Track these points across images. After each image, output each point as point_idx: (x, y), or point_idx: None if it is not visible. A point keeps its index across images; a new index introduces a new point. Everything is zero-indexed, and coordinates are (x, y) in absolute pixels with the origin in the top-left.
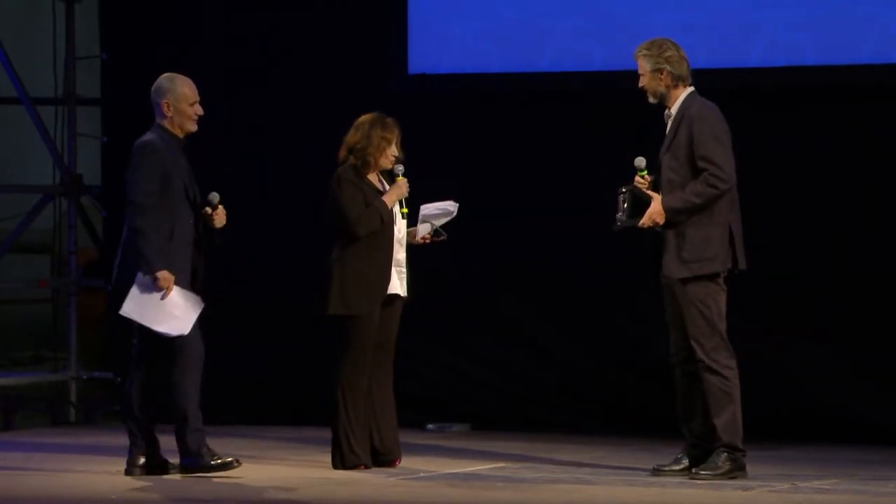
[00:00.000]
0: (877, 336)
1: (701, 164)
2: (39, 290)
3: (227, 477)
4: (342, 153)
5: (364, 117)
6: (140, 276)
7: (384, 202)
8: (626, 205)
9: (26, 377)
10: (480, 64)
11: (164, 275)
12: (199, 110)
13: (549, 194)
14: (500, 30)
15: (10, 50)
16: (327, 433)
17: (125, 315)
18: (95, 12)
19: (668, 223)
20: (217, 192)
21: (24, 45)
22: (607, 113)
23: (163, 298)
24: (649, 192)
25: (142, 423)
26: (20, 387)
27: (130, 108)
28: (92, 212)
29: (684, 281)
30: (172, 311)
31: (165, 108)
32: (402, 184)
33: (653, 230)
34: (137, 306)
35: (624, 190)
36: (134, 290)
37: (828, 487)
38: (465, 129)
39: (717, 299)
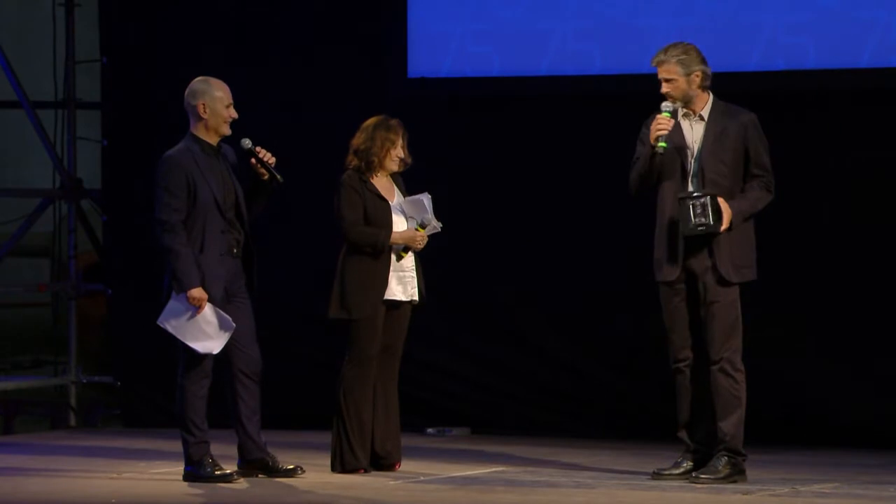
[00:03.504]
0: (877, 340)
1: (757, 171)
2: (39, 294)
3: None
4: (349, 157)
5: (369, 120)
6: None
7: (388, 235)
8: (710, 211)
9: (26, 381)
10: (480, 67)
11: (193, 293)
12: (234, 113)
13: (549, 197)
14: (499, 33)
15: (10, 53)
16: (329, 437)
17: (161, 326)
18: (95, 16)
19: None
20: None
21: (24, 49)
22: (607, 116)
23: (194, 316)
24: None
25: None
26: (20, 391)
27: (130, 112)
28: (92, 215)
29: (726, 284)
30: (205, 329)
31: (201, 110)
32: (419, 237)
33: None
34: (173, 319)
35: (697, 195)
36: (171, 304)
37: (828, 492)
38: (465, 132)
39: (739, 303)
